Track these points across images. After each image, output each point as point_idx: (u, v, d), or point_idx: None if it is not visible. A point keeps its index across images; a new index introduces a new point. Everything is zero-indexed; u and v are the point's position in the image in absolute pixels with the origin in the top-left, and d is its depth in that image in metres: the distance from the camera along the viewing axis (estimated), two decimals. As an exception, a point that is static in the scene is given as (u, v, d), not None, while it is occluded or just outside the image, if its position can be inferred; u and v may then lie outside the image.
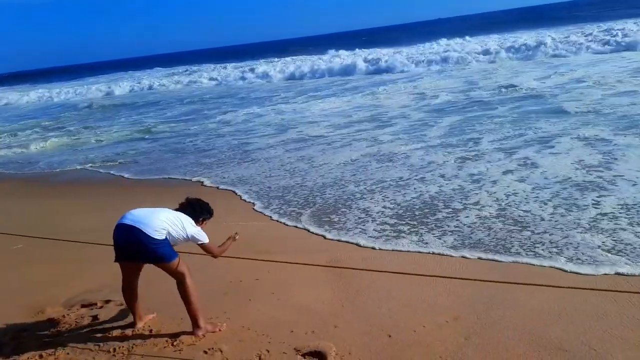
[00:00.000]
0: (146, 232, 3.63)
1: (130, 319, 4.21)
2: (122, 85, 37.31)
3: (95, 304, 4.61)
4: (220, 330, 3.92)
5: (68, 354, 3.76)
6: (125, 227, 3.68)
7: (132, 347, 3.78)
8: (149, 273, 4.33)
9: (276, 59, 42.52)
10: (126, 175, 10.58)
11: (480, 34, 41.54)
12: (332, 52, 38.04)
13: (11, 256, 5.92)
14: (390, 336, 3.67)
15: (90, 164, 12.10)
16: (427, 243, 5.51)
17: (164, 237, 3.70)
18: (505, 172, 7.58)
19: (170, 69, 53.19)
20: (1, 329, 4.20)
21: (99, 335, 4.02)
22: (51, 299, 4.74)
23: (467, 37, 36.81)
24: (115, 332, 4.02)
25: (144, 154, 12.79)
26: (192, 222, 3.92)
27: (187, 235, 3.82)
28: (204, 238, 3.92)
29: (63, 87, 43.20)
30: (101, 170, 11.35)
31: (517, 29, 42.97)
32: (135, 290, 4.02)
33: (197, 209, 4.07)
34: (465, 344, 3.53)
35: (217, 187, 8.85)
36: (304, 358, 3.49)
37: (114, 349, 3.77)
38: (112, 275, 4.90)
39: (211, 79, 34.18)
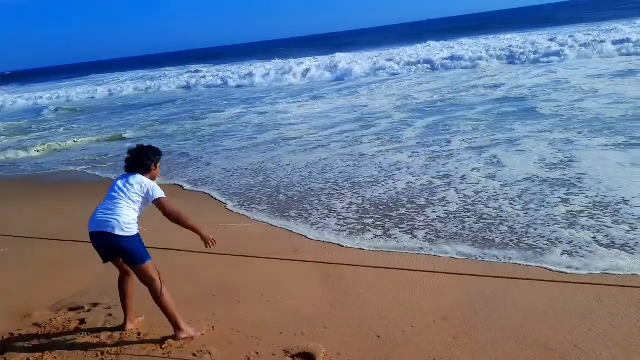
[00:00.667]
0: (115, 233, 3.64)
1: (118, 322, 4.18)
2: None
3: (83, 308, 4.57)
4: (202, 334, 3.87)
5: (55, 358, 3.73)
6: (96, 235, 3.71)
7: (120, 351, 3.76)
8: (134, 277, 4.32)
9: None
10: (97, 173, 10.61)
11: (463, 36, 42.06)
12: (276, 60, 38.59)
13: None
14: (379, 336, 3.69)
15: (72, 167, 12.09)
16: (413, 244, 5.55)
17: (135, 233, 3.70)
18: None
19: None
20: (-14, 332, 4.16)
21: (86, 339, 3.99)
22: (37, 302, 4.70)
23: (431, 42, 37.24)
24: (103, 336, 3.99)
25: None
26: (142, 179, 3.82)
27: (144, 195, 3.75)
28: (158, 192, 3.78)
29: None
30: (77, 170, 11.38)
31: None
32: (129, 284, 3.99)
33: (144, 159, 3.90)
34: (454, 343, 3.56)
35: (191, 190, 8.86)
36: (293, 359, 3.49)
37: (102, 353, 3.75)
38: (99, 277, 4.91)
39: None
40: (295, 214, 6.97)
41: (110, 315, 4.36)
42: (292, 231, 6.40)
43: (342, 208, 6.94)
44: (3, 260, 5.93)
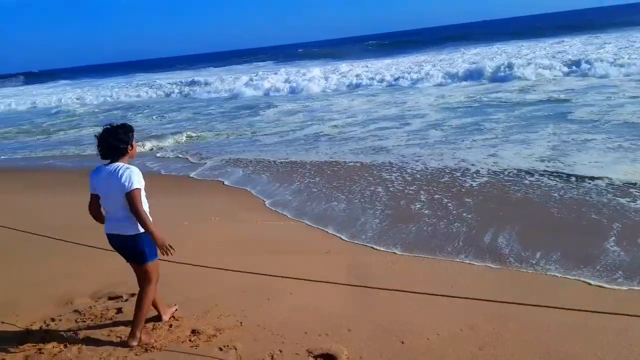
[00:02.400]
0: (127, 234, 3.69)
1: (152, 312, 4.32)
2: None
3: (121, 297, 4.75)
4: (155, 340, 3.85)
5: (90, 345, 3.90)
6: (109, 236, 3.79)
7: (151, 341, 3.88)
8: (169, 270, 4.47)
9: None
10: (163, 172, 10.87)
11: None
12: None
13: (39, 249, 6.15)
14: (403, 342, 3.68)
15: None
16: (448, 250, 5.48)
17: (143, 230, 3.65)
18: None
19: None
20: (30, 317, 4.38)
21: (122, 327, 4.14)
22: (79, 290, 4.91)
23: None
24: (137, 326, 4.14)
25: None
26: (121, 172, 3.59)
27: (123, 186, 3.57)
28: (133, 183, 3.56)
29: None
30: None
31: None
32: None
33: (118, 143, 3.67)
34: (479, 354, 3.50)
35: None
36: (316, 359, 3.52)
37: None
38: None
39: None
40: (333, 215, 6.99)
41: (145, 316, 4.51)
42: (327, 231, 6.43)
43: (379, 212, 6.91)
44: (45, 249, 6.21)
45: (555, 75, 19.82)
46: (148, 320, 4.19)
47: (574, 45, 30.45)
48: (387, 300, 4.39)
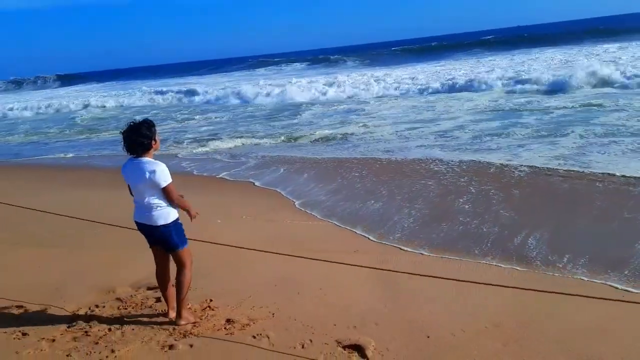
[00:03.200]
0: (150, 224, 3.98)
1: (163, 306, 4.49)
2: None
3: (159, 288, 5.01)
4: (200, 320, 4.20)
5: (133, 329, 4.15)
6: (137, 224, 4.11)
7: (189, 329, 4.12)
8: (207, 264, 4.70)
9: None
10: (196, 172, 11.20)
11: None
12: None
13: (85, 240, 6.49)
14: (428, 337, 3.82)
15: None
16: (475, 252, 5.58)
17: (171, 219, 3.97)
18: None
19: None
20: (76, 303, 4.68)
21: (161, 315, 4.39)
22: (120, 280, 5.19)
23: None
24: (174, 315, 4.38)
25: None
26: (148, 166, 3.88)
27: (155, 184, 3.88)
28: (165, 179, 3.87)
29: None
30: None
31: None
32: (166, 277, 4.27)
33: (142, 139, 3.91)
34: (503, 350, 3.61)
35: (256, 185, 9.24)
36: (344, 350, 3.69)
37: (173, 329, 4.12)
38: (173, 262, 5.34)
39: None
40: (362, 215, 7.15)
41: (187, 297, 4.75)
42: (355, 232, 6.59)
43: (408, 213, 7.04)
44: (91, 240, 6.55)
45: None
46: (155, 316, 4.41)
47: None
48: (413, 296, 4.53)
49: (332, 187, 8.80)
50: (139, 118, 4.19)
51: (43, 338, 4.03)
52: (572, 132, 11.24)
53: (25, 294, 4.88)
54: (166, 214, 3.99)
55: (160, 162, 3.99)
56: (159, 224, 4.00)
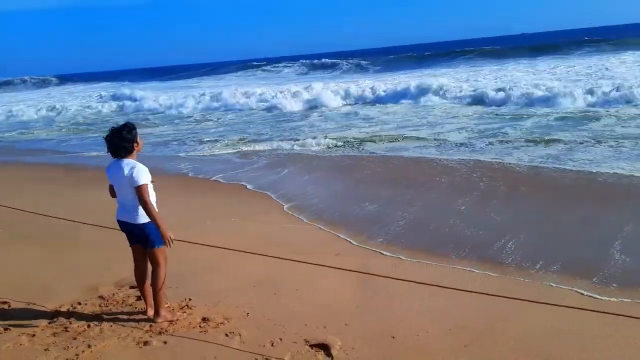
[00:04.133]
0: (135, 222, 4.17)
1: (169, 302, 4.71)
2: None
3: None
4: (177, 319, 4.33)
5: (111, 326, 4.30)
6: (120, 222, 4.29)
7: (164, 327, 4.26)
8: (190, 264, 4.82)
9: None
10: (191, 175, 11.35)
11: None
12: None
13: (74, 240, 6.64)
14: (393, 337, 3.96)
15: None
16: (450, 258, 5.72)
17: (149, 220, 4.11)
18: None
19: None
20: (60, 300, 4.83)
21: (139, 313, 4.54)
22: (105, 279, 5.34)
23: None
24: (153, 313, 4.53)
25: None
26: (129, 166, 4.07)
27: (134, 181, 4.04)
28: (141, 179, 4.03)
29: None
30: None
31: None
32: (144, 276, 4.40)
33: (125, 143, 4.11)
34: (463, 350, 3.75)
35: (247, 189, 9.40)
36: (311, 348, 3.83)
37: (150, 326, 4.27)
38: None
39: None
40: (348, 219, 7.29)
41: (164, 295, 4.89)
42: (339, 235, 6.73)
43: (394, 218, 7.18)
44: (79, 240, 6.69)
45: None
46: (134, 314, 4.54)
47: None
48: (386, 298, 4.68)
49: (324, 190, 8.96)
50: (120, 122, 4.40)
51: (23, 333, 4.19)
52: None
53: (12, 292, 5.03)
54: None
55: (140, 164, 4.18)
56: (139, 222, 4.18)
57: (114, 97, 34.19)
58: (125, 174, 4.09)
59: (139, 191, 4.05)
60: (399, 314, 4.36)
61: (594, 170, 8.88)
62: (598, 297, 4.61)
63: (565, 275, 5.06)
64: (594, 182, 8.32)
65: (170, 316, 4.37)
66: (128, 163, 4.14)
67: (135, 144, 4.20)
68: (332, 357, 3.71)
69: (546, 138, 11.91)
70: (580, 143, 11.14)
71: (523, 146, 11.37)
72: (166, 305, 4.45)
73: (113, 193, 4.34)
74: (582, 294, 4.68)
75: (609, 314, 3.70)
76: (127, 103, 30.27)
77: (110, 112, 29.19)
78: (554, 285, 4.87)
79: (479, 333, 3.97)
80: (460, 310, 4.36)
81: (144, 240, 4.27)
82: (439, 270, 5.41)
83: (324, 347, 3.83)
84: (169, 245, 4.13)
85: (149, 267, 4.40)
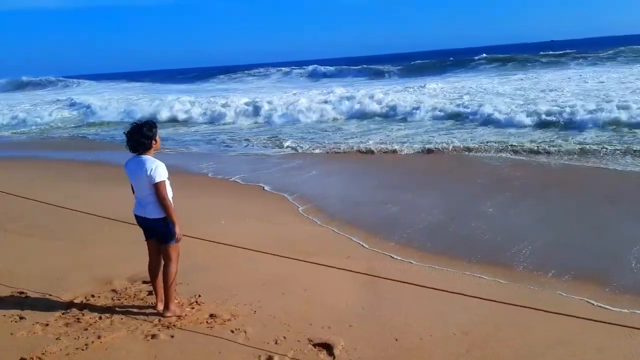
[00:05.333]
0: (149, 217, 4.27)
1: (180, 297, 4.80)
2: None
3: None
4: (186, 314, 4.42)
5: (122, 319, 4.42)
6: (137, 217, 4.40)
7: (173, 321, 4.35)
8: (202, 261, 4.90)
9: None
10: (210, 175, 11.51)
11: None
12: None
13: (91, 234, 6.81)
14: (396, 340, 3.97)
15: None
16: (461, 264, 5.70)
17: (165, 215, 4.23)
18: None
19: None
20: (74, 292, 4.97)
21: (150, 308, 4.64)
22: (119, 273, 5.47)
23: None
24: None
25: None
26: (148, 162, 4.19)
27: (150, 179, 4.18)
28: (159, 176, 4.17)
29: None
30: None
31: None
32: (157, 271, 4.50)
33: (144, 139, 4.23)
34: (465, 355, 3.75)
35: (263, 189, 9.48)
36: (314, 347, 3.88)
37: (159, 320, 4.37)
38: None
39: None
40: (362, 223, 7.30)
41: (175, 290, 4.99)
42: (351, 238, 6.76)
43: (409, 222, 7.19)
44: (96, 234, 6.86)
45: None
46: (145, 308, 4.63)
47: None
48: (392, 302, 4.69)
49: (341, 193, 9.02)
50: (141, 119, 4.53)
51: (38, 322, 4.33)
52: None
53: (29, 282, 5.20)
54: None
55: (158, 160, 4.30)
56: (155, 217, 4.29)
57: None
58: (143, 170, 4.21)
59: (157, 188, 4.18)
60: (404, 317, 4.37)
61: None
62: (610, 307, 4.55)
63: (577, 285, 5.01)
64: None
65: (179, 311, 4.46)
66: (147, 160, 4.26)
67: (154, 142, 4.32)
68: (334, 357, 3.75)
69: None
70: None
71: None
72: (176, 301, 4.55)
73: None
74: (592, 304, 4.62)
75: (613, 324, 3.65)
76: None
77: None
78: (565, 294, 4.82)
79: (481, 339, 3.96)
80: (465, 316, 4.35)
81: (158, 235, 4.38)
82: (449, 275, 5.40)
83: (327, 347, 3.87)
84: (177, 241, 4.30)
85: (162, 262, 4.50)
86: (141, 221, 4.43)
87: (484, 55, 45.18)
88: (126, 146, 4.34)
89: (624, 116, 13.89)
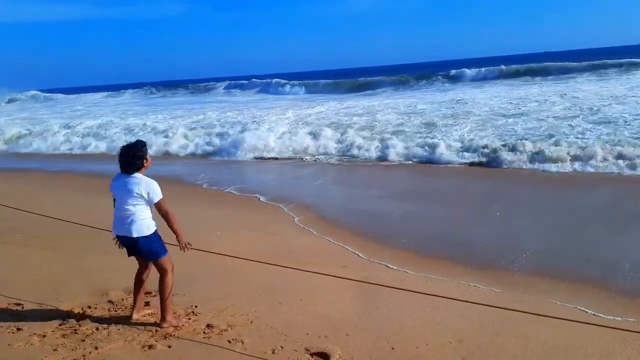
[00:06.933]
0: (133, 236, 4.29)
1: (175, 309, 4.80)
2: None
3: (150, 293, 5.26)
4: (183, 325, 4.42)
5: (119, 329, 4.42)
6: (119, 237, 4.42)
7: (170, 332, 4.36)
8: (198, 272, 4.91)
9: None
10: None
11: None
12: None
13: (87, 245, 6.81)
14: (393, 348, 4.00)
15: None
16: (457, 272, 5.74)
17: (151, 231, 4.30)
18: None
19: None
20: (71, 303, 4.97)
21: (146, 318, 4.65)
22: (115, 284, 5.47)
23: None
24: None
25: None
26: (140, 182, 4.23)
27: (146, 199, 4.25)
28: (156, 195, 4.25)
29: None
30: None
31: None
32: (141, 279, 4.57)
33: (135, 161, 4.27)
34: (461, 363, 3.78)
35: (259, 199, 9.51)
36: (311, 357, 3.90)
37: (156, 330, 4.38)
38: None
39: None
40: (360, 233, 7.35)
41: (171, 302, 5.00)
42: (347, 248, 6.79)
43: (405, 231, 7.23)
44: (93, 244, 6.86)
45: None
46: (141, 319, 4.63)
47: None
48: (389, 310, 4.72)
49: (337, 203, 9.05)
50: (132, 140, 4.61)
51: (35, 333, 4.32)
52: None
53: (26, 293, 5.21)
54: (146, 227, 4.33)
55: (149, 178, 4.36)
56: (139, 236, 4.32)
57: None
58: (134, 189, 4.25)
59: (159, 206, 4.29)
60: (400, 326, 4.40)
61: None
62: (603, 315, 4.59)
63: (571, 293, 5.05)
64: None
65: (175, 322, 4.47)
66: (140, 179, 4.30)
67: (145, 161, 4.36)
68: (331, 366, 3.77)
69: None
70: None
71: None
72: (173, 312, 4.55)
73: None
74: (586, 312, 4.66)
75: (609, 327, 3.70)
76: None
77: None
78: (559, 302, 4.86)
79: (476, 347, 4.00)
80: (461, 324, 4.39)
81: (144, 254, 4.42)
82: (444, 284, 5.43)
83: (324, 356, 3.90)
84: (186, 249, 4.37)
85: (150, 273, 4.55)
86: (124, 240, 4.44)
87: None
88: (120, 167, 4.38)
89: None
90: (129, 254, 4.55)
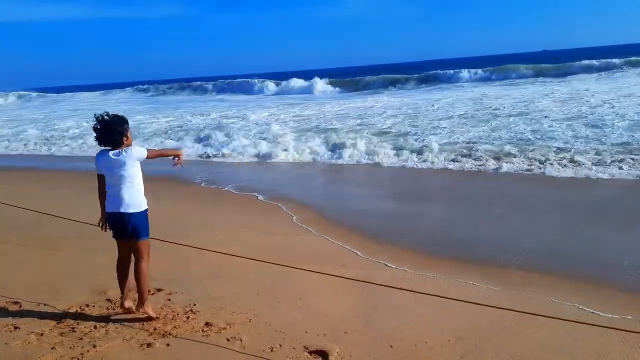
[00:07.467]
0: (131, 212, 4.32)
1: (174, 307, 4.80)
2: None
3: (149, 291, 5.27)
4: (157, 317, 4.47)
5: (117, 328, 4.41)
6: (113, 214, 4.39)
7: (168, 330, 4.35)
8: (197, 271, 4.89)
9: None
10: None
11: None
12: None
13: (85, 243, 6.79)
14: (391, 346, 3.99)
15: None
16: (457, 271, 5.74)
17: (144, 208, 4.36)
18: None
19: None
20: (69, 302, 4.96)
21: (145, 316, 4.64)
22: (113, 282, 5.42)
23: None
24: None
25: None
26: (126, 153, 4.23)
27: (138, 161, 4.31)
28: (142, 152, 4.32)
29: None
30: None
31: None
32: (127, 269, 4.56)
33: (116, 135, 4.22)
34: (459, 361, 3.78)
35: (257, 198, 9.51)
36: (310, 355, 3.89)
37: (154, 329, 4.37)
38: (168, 266, 5.62)
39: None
40: (358, 231, 7.35)
41: (169, 299, 4.99)
42: (346, 247, 6.78)
43: (404, 229, 7.23)
44: (90, 242, 6.84)
45: None
46: (139, 318, 4.59)
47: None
48: (387, 309, 4.72)
49: (336, 202, 9.05)
50: (110, 112, 4.38)
51: (32, 332, 4.31)
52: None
53: (23, 292, 5.19)
54: (139, 203, 4.36)
55: (130, 146, 4.33)
56: (132, 211, 4.33)
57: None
58: (128, 162, 4.25)
59: (149, 154, 4.37)
60: (398, 324, 4.40)
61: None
62: (601, 314, 4.59)
63: (569, 291, 5.04)
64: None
65: (152, 313, 4.48)
66: (126, 151, 4.27)
67: (125, 138, 4.28)
68: (330, 364, 3.77)
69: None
70: None
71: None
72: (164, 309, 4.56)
73: (101, 186, 4.42)
74: (584, 310, 4.66)
75: (608, 327, 3.70)
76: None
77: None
78: (557, 300, 4.86)
79: (476, 345, 3.99)
80: (459, 322, 4.38)
81: (134, 230, 4.36)
82: (443, 283, 5.42)
83: (322, 354, 3.89)
84: (181, 161, 4.70)
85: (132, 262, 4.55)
86: (116, 217, 4.37)
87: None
88: (95, 139, 4.33)
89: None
90: (117, 235, 4.48)
